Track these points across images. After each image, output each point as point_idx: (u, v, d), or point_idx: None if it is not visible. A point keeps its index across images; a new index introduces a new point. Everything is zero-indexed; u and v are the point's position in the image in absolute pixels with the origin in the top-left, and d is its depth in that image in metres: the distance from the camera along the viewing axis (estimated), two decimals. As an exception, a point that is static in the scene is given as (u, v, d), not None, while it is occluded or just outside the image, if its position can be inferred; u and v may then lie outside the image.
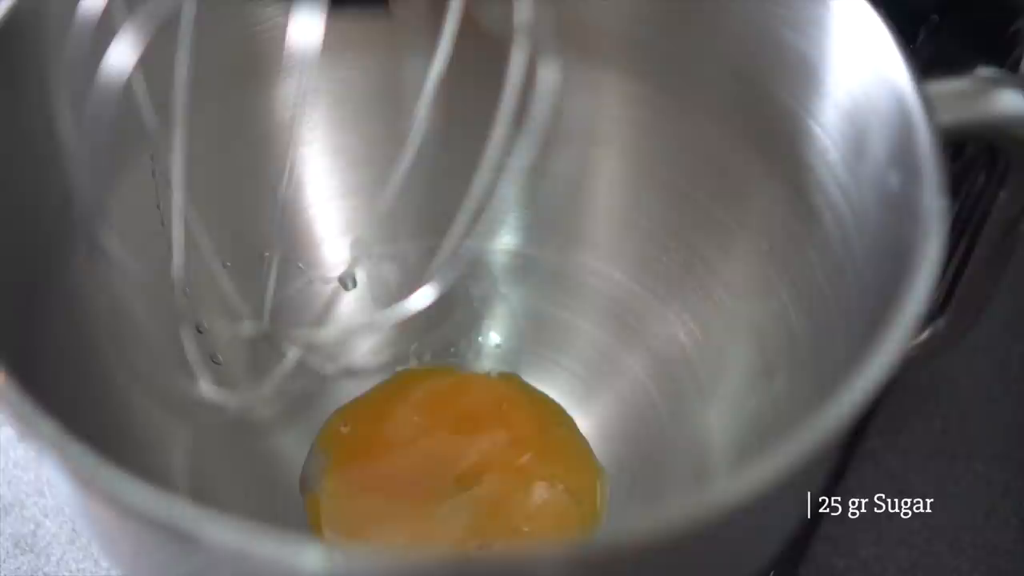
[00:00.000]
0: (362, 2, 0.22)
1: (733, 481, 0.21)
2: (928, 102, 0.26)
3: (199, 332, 0.33)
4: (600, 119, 0.37)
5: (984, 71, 0.29)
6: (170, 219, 0.30)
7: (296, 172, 0.38)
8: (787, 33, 0.31)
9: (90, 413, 0.29)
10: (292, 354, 0.30)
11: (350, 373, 0.30)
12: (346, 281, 0.39)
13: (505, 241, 0.40)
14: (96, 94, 0.23)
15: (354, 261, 0.39)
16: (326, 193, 0.39)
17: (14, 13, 0.29)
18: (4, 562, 0.38)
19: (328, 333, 0.35)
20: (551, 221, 0.40)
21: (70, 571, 0.38)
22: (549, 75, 0.24)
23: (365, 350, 0.34)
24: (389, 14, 0.24)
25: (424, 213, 0.34)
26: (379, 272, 0.40)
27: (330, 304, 0.38)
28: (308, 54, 0.23)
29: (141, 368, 0.33)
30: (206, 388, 0.30)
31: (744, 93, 0.33)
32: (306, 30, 0.23)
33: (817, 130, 0.31)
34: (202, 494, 0.33)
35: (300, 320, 0.37)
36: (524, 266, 0.40)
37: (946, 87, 0.28)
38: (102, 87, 0.23)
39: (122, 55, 0.24)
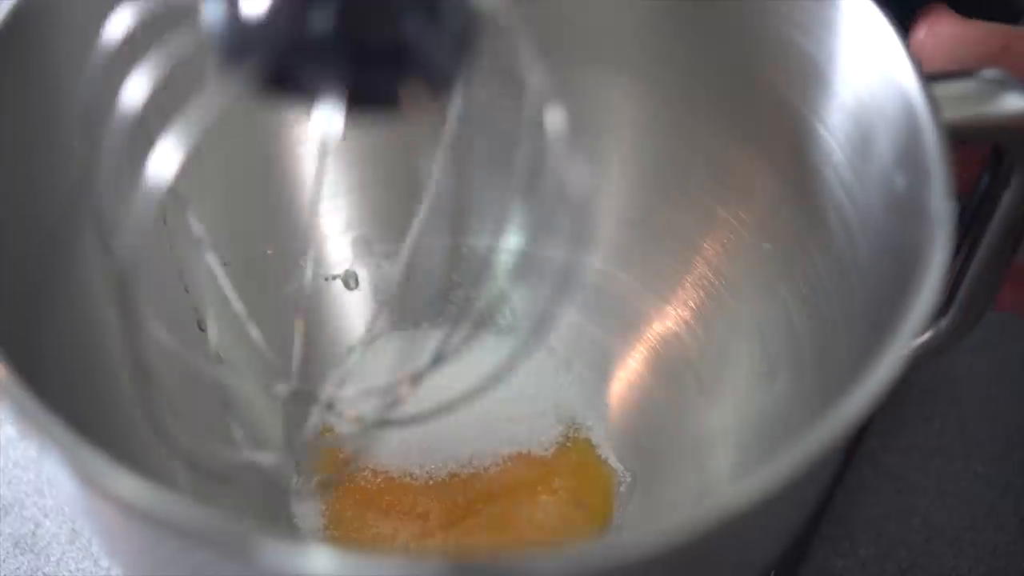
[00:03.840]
0: (376, 105, 0.22)
1: (739, 487, 0.21)
2: (935, 103, 0.26)
3: (213, 355, 0.33)
4: (603, 119, 0.37)
5: (988, 72, 0.29)
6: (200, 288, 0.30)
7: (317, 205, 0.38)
8: (793, 34, 0.31)
9: (93, 411, 0.29)
10: (318, 414, 0.31)
11: (376, 427, 0.30)
12: (348, 280, 0.39)
13: (506, 241, 0.40)
14: (113, 127, 0.23)
15: (355, 260, 0.39)
16: (327, 191, 0.39)
17: (21, 9, 0.28)
18: (4, 562, 0.38)
19: (352, 393, 0.34)
20: (552, 221, 0.39)
21: (70, 571, 0.37)
22: (540, 81, 0.24)
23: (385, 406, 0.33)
24: (402, 116, 0.23)
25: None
26: (380, 272, 0.39)
27: (339, 317, 0.38)
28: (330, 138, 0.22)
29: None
30: (249, 455, 0.30)
31: (749, 93, 0.33)
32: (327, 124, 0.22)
33: (823, 131, 0.31)
34: (203, 493, 0.33)
35: (326, 374, 0.37)
36: (525, 266, 0.40)
37: (951, 88, 0.28)
38: (119, 121, 0.23)
39: (139, 91, 0.23)
